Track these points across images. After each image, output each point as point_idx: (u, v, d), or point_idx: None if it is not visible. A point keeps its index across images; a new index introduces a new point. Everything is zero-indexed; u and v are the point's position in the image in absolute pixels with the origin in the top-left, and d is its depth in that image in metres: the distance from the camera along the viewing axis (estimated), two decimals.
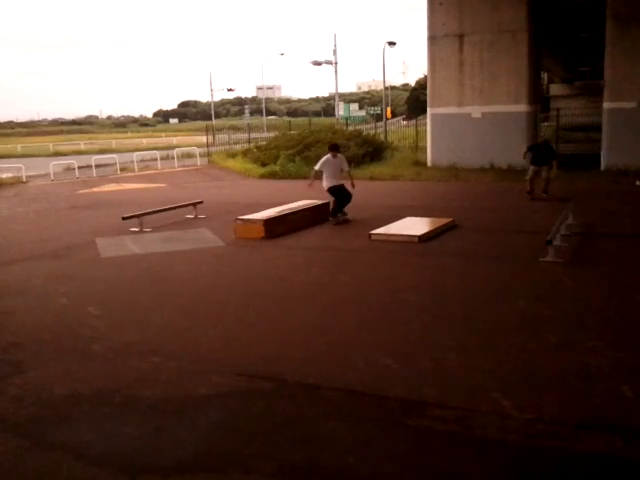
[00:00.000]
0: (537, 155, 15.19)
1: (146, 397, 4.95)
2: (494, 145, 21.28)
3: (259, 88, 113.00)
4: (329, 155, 12.55)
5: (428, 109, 23.34)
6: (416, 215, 12.55)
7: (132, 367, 5.59)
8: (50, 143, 50.80)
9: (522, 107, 21.39)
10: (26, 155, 41.88)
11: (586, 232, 10.84)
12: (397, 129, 34.00)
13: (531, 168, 15.19)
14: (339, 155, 12.71)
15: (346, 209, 12.78)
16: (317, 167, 12.62)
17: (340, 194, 12.64)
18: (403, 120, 54.90)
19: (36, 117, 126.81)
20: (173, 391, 5.05)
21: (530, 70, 21.44)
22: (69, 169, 27.69)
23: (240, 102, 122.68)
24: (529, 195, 15.11)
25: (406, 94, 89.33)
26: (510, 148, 20.84)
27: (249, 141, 34.17)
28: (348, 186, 12.75)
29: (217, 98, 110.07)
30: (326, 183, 12.55)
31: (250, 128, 38.37)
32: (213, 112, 79.17)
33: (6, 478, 3.91)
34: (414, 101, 70.29)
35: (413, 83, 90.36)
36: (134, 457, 4.08)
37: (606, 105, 20.45)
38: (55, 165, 26.28)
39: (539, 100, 23.76)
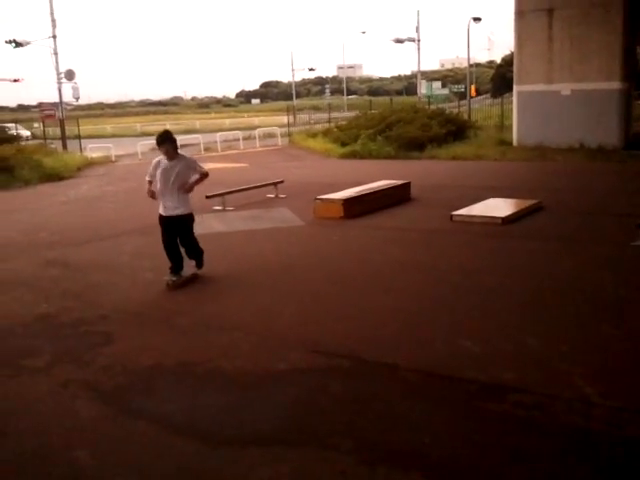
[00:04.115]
0: None
1: (227, 370, 5.08)
2: (584, 124, 20.40)
3: (340, 67, 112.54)
4: (160, 156, 7.79)
5: (514, 86, 22.63)
6: (500, 196, 12.23)
7: (214, 341, 5.75)
8: (137, 123, 52.39)
9: (615, 84, 20.40)
10: (115, 135, 43.37)
11: None
12: (481, 107, 33.15)
13: None
14: (182, 155, 7.89)
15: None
16: (148, 176, 7.98)
17: (177, 231, 7.47)
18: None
19: (124, 98, 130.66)
20: (252, 365, 5.15)
21: (624, 45, 20.38)
22: (155, 149, 28.48)
23: (321, 82, 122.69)
24: None
25: (491, 71, 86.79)
26: (601, 127, 19.96)
27: (329, 121, 34.20)
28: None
29: (298, 78, 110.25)
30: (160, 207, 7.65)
31: (330, 108, 38.35)
32: (294, 92, 79.64)
33: (94, 444, 4.11)
34: (499, 78, 68.23)
35: (499, 60, 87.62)
36: (215, 428, 4.20)
37: None
38: (142, 145, 27.06)
39: (634, 77, 22.58)
